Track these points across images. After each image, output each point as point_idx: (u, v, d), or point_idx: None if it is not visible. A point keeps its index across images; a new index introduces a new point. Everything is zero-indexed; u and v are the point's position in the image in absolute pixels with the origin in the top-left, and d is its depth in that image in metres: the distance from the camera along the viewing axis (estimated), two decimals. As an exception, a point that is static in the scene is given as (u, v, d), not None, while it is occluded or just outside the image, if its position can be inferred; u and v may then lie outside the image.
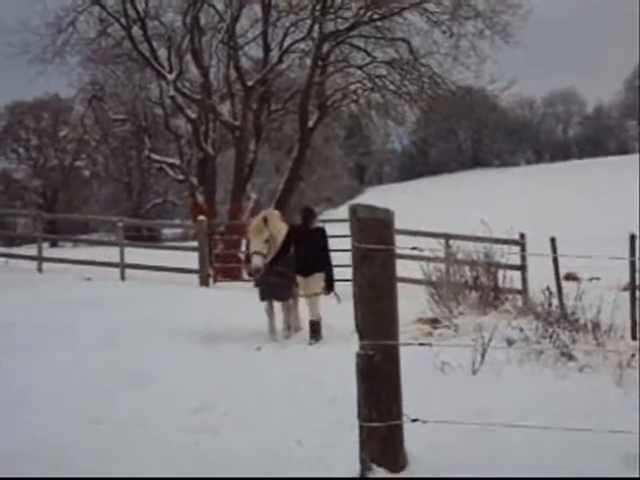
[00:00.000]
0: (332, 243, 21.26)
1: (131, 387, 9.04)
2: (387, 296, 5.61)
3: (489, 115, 78.09)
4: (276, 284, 13.39)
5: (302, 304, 14.08)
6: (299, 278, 13.51)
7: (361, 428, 5.53)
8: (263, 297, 13.80)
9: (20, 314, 13.65)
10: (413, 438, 5.65)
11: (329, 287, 13.39)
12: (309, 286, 13.47)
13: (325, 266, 13.47)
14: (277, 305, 13.93)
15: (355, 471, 5.53)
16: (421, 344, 6.71)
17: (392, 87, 33.54)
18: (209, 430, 7.45)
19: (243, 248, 25.27)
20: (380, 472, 5.41)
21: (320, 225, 14.28)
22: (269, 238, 13.43)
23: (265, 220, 13.58)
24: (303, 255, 13.28)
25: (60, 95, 54.06)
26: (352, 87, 34.07)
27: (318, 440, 6.77)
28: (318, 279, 13.41)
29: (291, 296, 14.04)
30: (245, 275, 22.71)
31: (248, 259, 14.66)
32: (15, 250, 30.84)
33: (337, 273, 19.79)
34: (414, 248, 6.71)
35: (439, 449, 5.85)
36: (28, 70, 32.41)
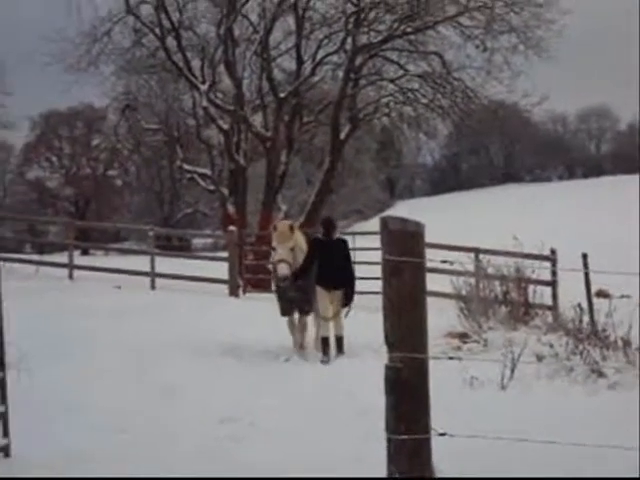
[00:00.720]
0: (362, 255, 21.38)
1: (157, 397, 9.06)
2: (417, 309, 5.58)
3: (521, 130, 77.71)
4: (298, 299, 13.05)
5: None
6: (320, 290, 13.10)
7: (389, 441, 5.50)
8: (284, 312, 13.47)
9: (48, 322, 13.68)
10: (441, 452, 5.61)
11: (348, 300, 13.23)
12: (332, 299, 13.17)
13: (349, 279, 13.33)
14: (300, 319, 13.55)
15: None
16: (450, 358, 6.68)
17: (424, 100, 33.49)
18: (236, 440, 7.46)
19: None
20: (407, 485, 5.37)
21: (342, 237, 14.27)
22: (294, 247, 12.98)
23: (291, 228, 13.20)
24: (327, 268, 12.96)
25: (94, 105, 54.49)
26: (384, 100, 34.04)
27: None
28: (341, 292, 13.20)
29: (312, 311, 13.54)
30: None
31: (273, 268, 14.12)
32: (46, 258, 31.03)
33: (366, 285, 19.89)
34: (444, 261, 6.69)
35: (467, 464, 5.81)
36: (63, 79, 32.73)
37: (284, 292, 13.08)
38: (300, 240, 13.34)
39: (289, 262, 12.73)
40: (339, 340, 13.00)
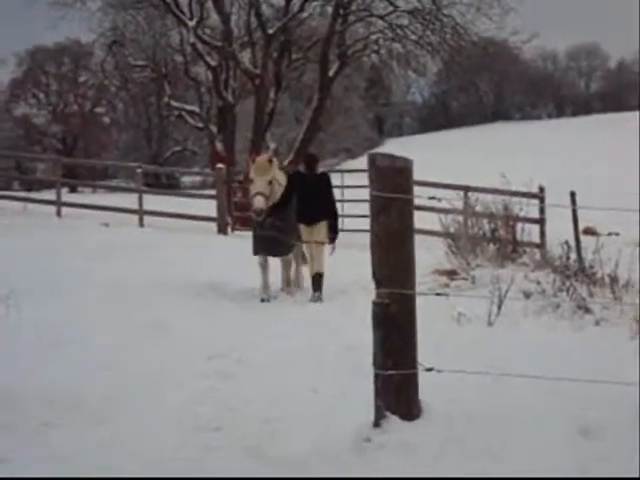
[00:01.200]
0: (349, 193, 21.37)
1: (144, 334, 9.07)
2: (404, 245, 5.59)
3: (511, 68, 77.30)
4: (272, 238, 12.34)
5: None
6: (302, 227, 12.78)
7: (376, 376, 5.55)
8: (257, 251, 12.76)
9: (36, 259, 13.66)
10: (427, 388, 5.66)
11: (333, 236, 12.73)
12: (313, 235, 12.77)
13: (330, 214, 12.81)
14: (275, 260, 13.01)
15: (369, 419, 5.55)
16: (438, 294, 6.71)
17: (414, 37, 33.26)
18: (224, 376, 7.49)
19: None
20: (394, 420, 5.43)
21: (323, 171, 13.71)
22: (272, 180, 12.42)
23: (270, 161, 12.60)
24: (307, 202, 12.54)
25: (81, 40, 53.93)
26: (373, 37, 33.81)
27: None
28: (323, 227, 12.73)
29: (290, 251, 13.01)
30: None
31: (247, 203, 13.44)
32: (34, 195, 30.94)
33: (353, 223, 19.92)
34: (432, 198, 6.67)
35: (454, 399, 5.86)
36: (49, 14, 32.42)
37: (260, 229, 12.47)
38: (280, 176, 12.91)
39: (266, 195, 12.20)
40: (318, 277, 12.52)
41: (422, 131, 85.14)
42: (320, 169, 13.67)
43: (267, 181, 12.26)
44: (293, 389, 6.78)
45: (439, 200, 7.02)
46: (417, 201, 5.97)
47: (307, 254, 13.04)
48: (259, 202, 12.07)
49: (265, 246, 12.55)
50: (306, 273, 13.26)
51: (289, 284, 13.28)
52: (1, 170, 42.06)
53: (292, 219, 12.62)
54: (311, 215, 12.66)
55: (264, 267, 12.64)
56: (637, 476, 4.21)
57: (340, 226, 20.68)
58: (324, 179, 13.08)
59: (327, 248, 12.80)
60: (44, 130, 64.84)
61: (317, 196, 12.63)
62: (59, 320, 9.16)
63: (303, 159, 13.32)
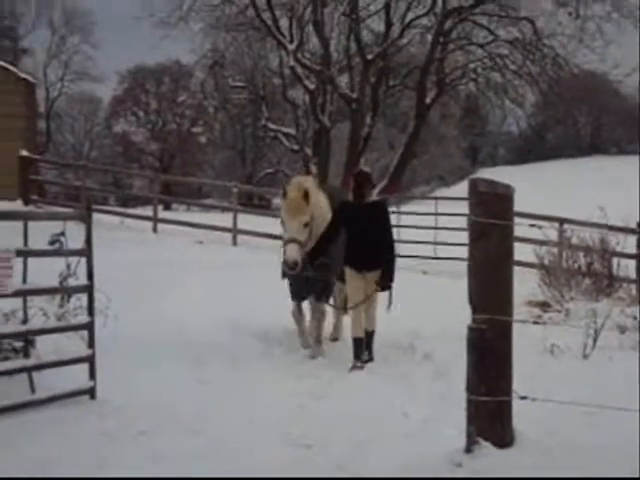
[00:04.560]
0: (443, 221, 21.21)
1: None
2: (503, 272, 5.59)
3: (610, 101, 76.15)
4: (312, 279, 9.89)
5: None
6: (350, 273, 9.86)
7: (469, 402, 5.54)
8: (294, 295, 10.35)
9: (134, 272, 13.90)
10: (521, 417, 5.62)
11: (387, 282, 9.75)
12: (365, 283, 9.79)
13: (388, 256, 9.81)
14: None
15: (462, 445, 5.53)
16: (535, 322, 6.67)
17: (513, 67, 33.19)
18: (315, 396, 7.58)
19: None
20: (487, 447, 5.40)
21: (378, 199, 10.72)
22: (310, 221, 9.80)
23: (306, 195, 9.80)
24: (359, 242, 9.71)
25: (181, 61, 54.90)
26: (472, 65, 33.84)
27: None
28: (377, 275, 9.74)
29: (331, 295, 10.74)
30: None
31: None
32: (129, 211, 31.50)
33: (446, 251, 19.80)
34: (533, 225, 6.65)
35: (547, 429, 5.81)
36: (152, 34, 33.15)
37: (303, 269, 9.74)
38: (321, 207, 10.25)
39: (301, 242, 9.63)
40: (368, 337, 9.83)
41: (516, 162, 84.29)
42: (374, 195, 10.55)
43: (303, 223, 9.70)
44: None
45: (539, 228, 6.99)
46: (516, 229, 5.96)
47: (352, 311, 9.83)
48: (292, 252, 9.56)
49: (303, 288, 10.15)
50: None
51: (319, 340, 10.31)
52: (99, 185, 42.94)
53: (334, 255, 9.94)
54: (365, 259, 9.77)
55: (298, 315, 10.34)
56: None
57: (433, 254, 20.29)
58: (379, 209, 10.07)
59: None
60: (142, 148, 65.95)
61: (369, 233, 9.72)
62: (156, 330, 9.37)
63: (353, 179, 10.03)
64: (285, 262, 9.57)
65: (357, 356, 9.56)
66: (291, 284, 10.23)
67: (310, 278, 9.80)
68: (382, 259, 9.68)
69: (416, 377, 8.99)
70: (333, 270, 10.08)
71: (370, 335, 9.79)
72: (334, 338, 10.96)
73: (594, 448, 5.54)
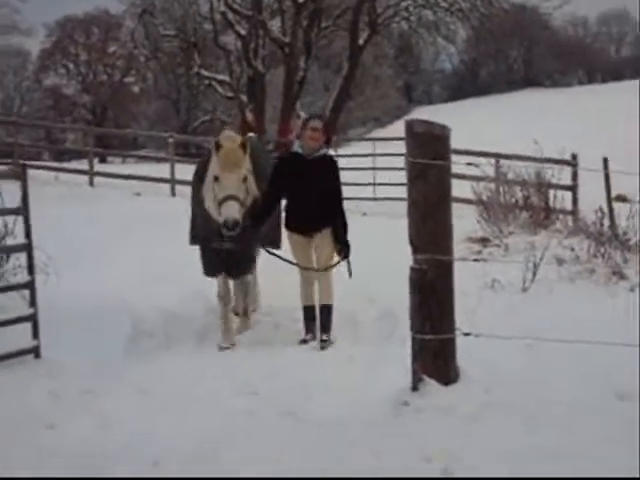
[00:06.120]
0: (382, 162, 21.28)
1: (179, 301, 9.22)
2: (442, 211, 5.64)
3: (541, 34, 76.48)
4: (234, 252, 8.54)
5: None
6: (295, 238, 8.76)
7: (414, 340, 5.61)
8: (209, 271, 9.00)
9: (72, 227, 13.76)
10: (464, 353, 5.71)
11: (344, 250, 8.59)
12: (313, 248, 8.72)
13: (336, 217, 8.62)
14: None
15: (408, 384, 5.61)
16: (475, 260, 6.75)
17: (444, 4, 33.13)
18: (262, 342, 7.64)
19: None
20: (432, 384, 5.49)
21: (327, 152, 8.76)
22: (247, 175, 8.54)
23: (244, 145, 8.43)
24: (303, 201, 8.56)
25: (110, 10, 54.07)
26: (404, 4, 33.69)
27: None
28: (326, 238, 8.62)
29: (253, 268, 9.55)
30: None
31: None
32: (64, 165, 31.10)
33: (384, 191, 19.89)
34: (470, 164, 6.69)
35: (490, 364, 5.90)
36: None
37: (216, 241, 8.62)
38: (259, 158, 9.08)
39: (240, 199, 8.27)
40: (325, 314, 8.62)
41: (451, 99, 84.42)
42: (324, 149, 8.73)
43: (241, 178, 8.34)
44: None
45: (476, 166, 7.05)
46: (453, 167, 6.00)
47: (301, 275, 8.81)
48: (232, 210, 8.12)
49: (222, 262, 8.77)
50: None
51: (246, 313, 9.38)
52: (31, 141, 42.24)
53: (272, 223, 8.97)
54: (312, 220, 8.59)
55: (225, 293, 8.95)
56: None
57: (372, 195, 20.30)
58: (328, 164, 8.69)
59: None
60: (74, 100, 64.90)
61: (318, 191, 8.51)
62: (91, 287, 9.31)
63: (303, 124, 8.80)
64: (225, 223, 8.02)
65: (307, 328, 8.62)
66: (204, 254, 8.93)
67: (231, 250, 8.46)
68: (330, 218, 8.53)
69: (361, 319, 9.11)
70: (255, 239, 8.79)
71: (327, 311, 8.58)
72: (252, 309, 9.72)
73: (535, 381, 5.66)
